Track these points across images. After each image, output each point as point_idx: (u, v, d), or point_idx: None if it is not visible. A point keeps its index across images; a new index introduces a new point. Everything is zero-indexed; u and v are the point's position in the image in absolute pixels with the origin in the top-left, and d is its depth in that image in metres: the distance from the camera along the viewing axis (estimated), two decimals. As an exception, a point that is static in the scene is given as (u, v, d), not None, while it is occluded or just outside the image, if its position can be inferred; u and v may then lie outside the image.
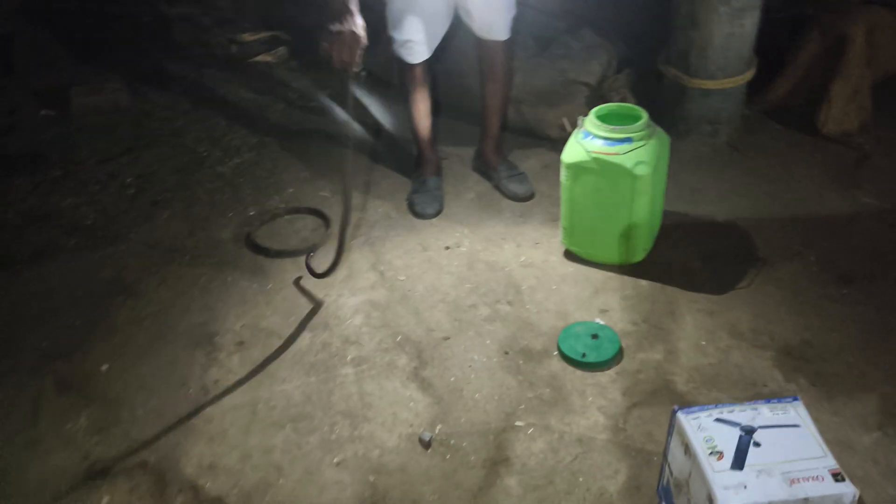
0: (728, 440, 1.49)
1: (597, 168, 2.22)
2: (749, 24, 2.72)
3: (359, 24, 2.09)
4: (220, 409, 2.03)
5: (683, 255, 2.45)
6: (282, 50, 3.93)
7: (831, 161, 2.84)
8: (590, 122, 2.25)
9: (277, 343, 2.23)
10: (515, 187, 2.78)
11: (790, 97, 3.07)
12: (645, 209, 2.26)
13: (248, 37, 3.99)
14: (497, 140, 2.84)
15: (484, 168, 2.89)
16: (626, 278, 2.37)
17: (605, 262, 2.41)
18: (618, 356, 2.09)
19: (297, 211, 2.80)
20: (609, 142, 2.20)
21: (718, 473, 1.43)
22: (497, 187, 2.82)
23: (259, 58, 3.88)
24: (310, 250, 2.51)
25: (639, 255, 2.37)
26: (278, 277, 2.48)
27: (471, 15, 2.51)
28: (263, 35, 4.02)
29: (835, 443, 1.80)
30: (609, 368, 2.06)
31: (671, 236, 2.52)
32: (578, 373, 2.06)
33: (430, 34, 2.52)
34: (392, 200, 2.82)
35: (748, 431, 1.50)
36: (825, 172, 2.79)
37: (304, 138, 3.27)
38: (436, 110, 2.78)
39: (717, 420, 1.53)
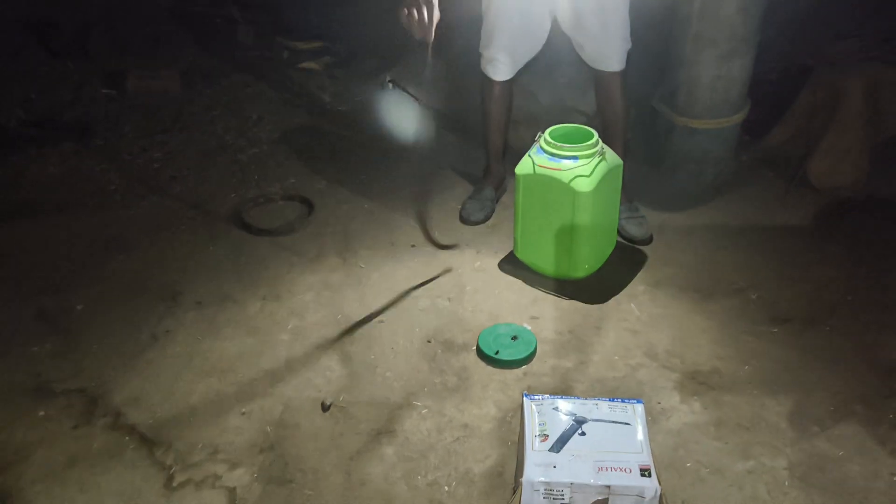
0: (558, 426, 1.58)
1: (542, 182, 2.34)
2: (737, 68, 2.77)
3: None
4: (162, 355, 2.25)
5: (629, 279, 2.51)
6: (327, 59, 4.21)
7: (813, 212, 2.83)
8: (543, 138, 2.37)
9: (231, 306, 2.44)
10: (633, 229, 2.69)
11: (787, 146, 3.07)
12: (586, 226, 2.35)
13: (300, 45, 4.30)
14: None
15: None
16: (567, 291, 2.46)
17: (550, 275, 2.50)
18: (529, 358, 2.18)
19: (289, 198, 3.03)
20: (555, 158, 2.31)
21: (536, 452, 1.52)
22: None
23: (305, 64, 4.17)
24: None
25: (580, 272, 2.45)
26: (253, 252, 2.71)
27: (583, 46, 2.57)
28: (315, 44, 4.31)
29: (708, 466, 1.84)
30: (518, 368, 2.16)
31: (625, 260, 2.60)
32: (489, 368, 2.17)
33: (516, 56, 2.64)
34: (380, 199, 3.00)
35: (579, 422, 1.58)
36: (802, 221, 2.78)
37: (320, 137, 3.52)
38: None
39: (556, 408, 1.62)
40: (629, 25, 2.52)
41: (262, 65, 4.20)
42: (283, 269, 2.61)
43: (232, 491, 1.81)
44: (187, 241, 2.78)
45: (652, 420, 1.95)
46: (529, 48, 2.65)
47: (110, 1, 4.25)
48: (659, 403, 2.02)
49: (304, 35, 4.41)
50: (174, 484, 1.84)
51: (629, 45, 2.56)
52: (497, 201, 2.93)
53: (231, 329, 2.35)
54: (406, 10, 2.19)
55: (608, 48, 2.54)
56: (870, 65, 2.90)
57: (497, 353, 2.18)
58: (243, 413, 2.04)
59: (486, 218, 2.85)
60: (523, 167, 2.39)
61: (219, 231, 2.84)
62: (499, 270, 2.58)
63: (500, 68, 2.67)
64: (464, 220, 2.84)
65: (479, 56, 2.70)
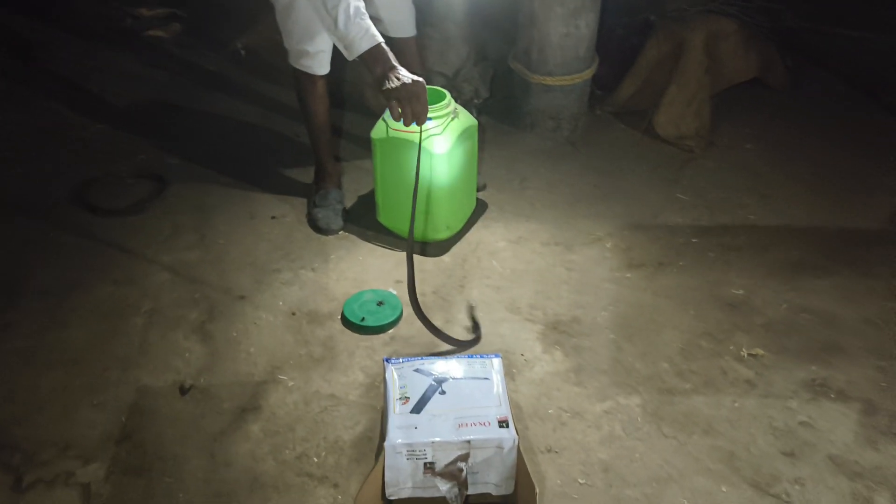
0: (418, 388, 1.58)
1: (396, 145, 2.31)
2: (584, 25, 2.84)
3: (409, 74, 2.01)
4: (1, 351, 2.09)
5: (492, 237, 2.55)
6: (175, 26, 4.00)
7: (661, 161, 2.96)
8: (396, 100, 2.34)
9: (78, 293, 2.30)
10: None
11: (636, 100, 3.19)
12: (444, 187, 2.35)
13: (145, 11, 4.06)
14: None
15: None
16: (430, 253, 2.47)
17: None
18: (396, 322, 2.18)
19: (139, 176, 2.87)
20: (409, 120, 2.29)
21: (398, 415, 1.52)
22: None
23: (151, 32, 3.95)
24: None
25: (441, 233, 2.46)
26: (101, 235, 2.55)
27: (380, 19, 2.49)
28: (161, 11, 4.09)
29: (569, 411, 1.90)
30: (385, 333, 2.16)
31: (487, 218, 2.63)
32: (356, 336, 2.15)
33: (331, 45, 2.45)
34: (237, 172, 2.89)
35: (438, 381, 1.59)
36: (652, 171, 2.91)
37: (170, 110, 3.36)
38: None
39: (416, 370, 1.63)
40: None
41: (105, 34, 3.94)
42: (135, 250, 2.48)
43: (86, 487, 1.72)
44: (26, 227, 2.59)
45: (517, 372, 2.00)
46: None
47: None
48: (522, 356, 2.07)
49: (149, 2, 4.17)
50: (23, 485, 1.73)
51: (414, 12, 2.60)
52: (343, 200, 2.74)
53: (79, 317, 2.21)
54: (396, 105, 2.01)
55: (401, 16, 2.56)
56: (708, 17, 3.04)
57: (363, 319, 2.16)
58: (95, 404, 1.93)
59: (344, 224, 2.63)
60: (378, 131, 2.36)
61: (60, 215, 2.65)
62: (363, 236, 2.56)
63: (326, 60, 2.47)
64: (324, 232, 2.59)
65: (288, 53, 2.47)
